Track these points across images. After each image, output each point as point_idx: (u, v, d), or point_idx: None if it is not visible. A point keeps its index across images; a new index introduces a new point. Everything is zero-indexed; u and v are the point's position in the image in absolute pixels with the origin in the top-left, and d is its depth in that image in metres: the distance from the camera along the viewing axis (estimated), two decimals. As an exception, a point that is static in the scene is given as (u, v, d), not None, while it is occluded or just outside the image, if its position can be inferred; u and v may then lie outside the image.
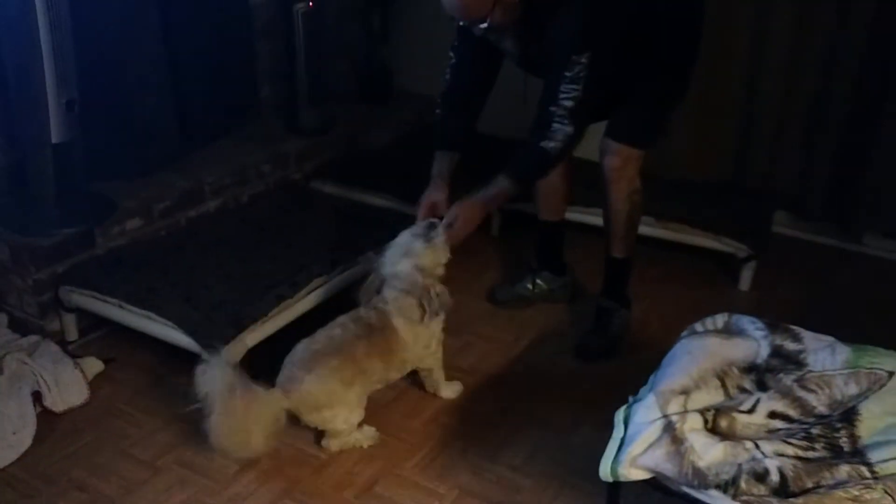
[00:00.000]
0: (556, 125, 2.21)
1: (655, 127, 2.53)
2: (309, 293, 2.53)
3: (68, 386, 2.31)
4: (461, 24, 2.27)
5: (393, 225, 2.54)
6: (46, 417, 2.23)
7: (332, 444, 2.20)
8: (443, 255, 2.26)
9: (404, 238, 2.27)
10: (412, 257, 2.22)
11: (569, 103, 2.18)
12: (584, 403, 2.37)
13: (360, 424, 2.21)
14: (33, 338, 2.47)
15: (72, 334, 2.59)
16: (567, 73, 2.16)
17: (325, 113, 3.60)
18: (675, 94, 2.48)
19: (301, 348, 2.17)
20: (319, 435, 2.22)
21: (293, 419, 2.15)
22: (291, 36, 3.43)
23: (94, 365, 2.44)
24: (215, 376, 1.97)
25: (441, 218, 2.32)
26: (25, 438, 2.15)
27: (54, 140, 2.49)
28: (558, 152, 2.25)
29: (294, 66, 3.48)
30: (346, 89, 3.99)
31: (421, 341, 2.27)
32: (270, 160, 3.30)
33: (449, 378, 2.43)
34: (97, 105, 2.67)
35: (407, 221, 2.43)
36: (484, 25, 2.18)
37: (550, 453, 2.19)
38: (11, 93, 2.51)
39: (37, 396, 2.24)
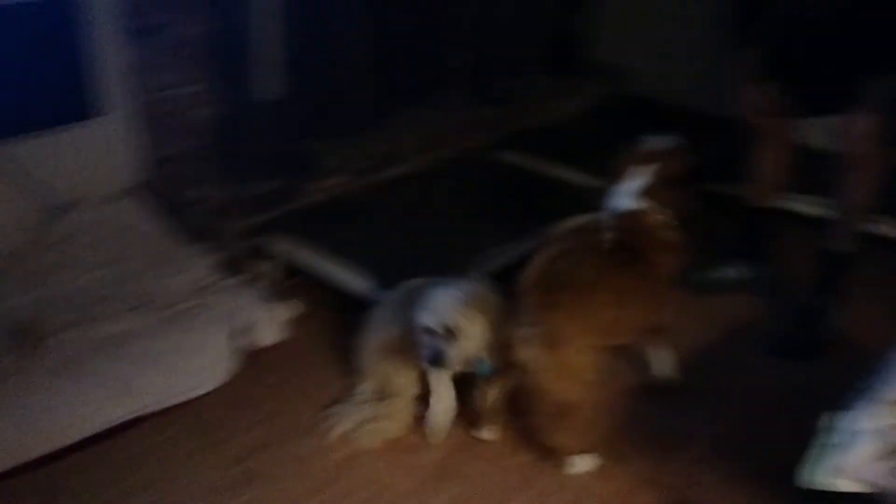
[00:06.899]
0: None
1: None
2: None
3: (267, 326, 2.40)
4: None
5: (579, 199, 2.46)
6: (245, 354, 2.33)
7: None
8: None
9: None
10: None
11: None
12: (776, 405, 2.23)
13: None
14: (238, 278, 2.60)
15: (273, 278, 2.69)
16: None
17: (515, 82, 3.57)
18: None
19: None
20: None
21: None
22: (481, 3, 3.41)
23: (292, 308, 2.51)
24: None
25: None
26: (221, 373, 2.25)
27: (270, 98, 2.67)
28: None
29: (483, 34, 3.46)
30: (536, 58, 3.94)
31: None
32: (459, 128, 3.33)
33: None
34: (305, 72, 2.82)
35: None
36: None
37: (733, 451, 2.08)
38: (235, 57, 2.67)
39: (237, 334, 2.35)
